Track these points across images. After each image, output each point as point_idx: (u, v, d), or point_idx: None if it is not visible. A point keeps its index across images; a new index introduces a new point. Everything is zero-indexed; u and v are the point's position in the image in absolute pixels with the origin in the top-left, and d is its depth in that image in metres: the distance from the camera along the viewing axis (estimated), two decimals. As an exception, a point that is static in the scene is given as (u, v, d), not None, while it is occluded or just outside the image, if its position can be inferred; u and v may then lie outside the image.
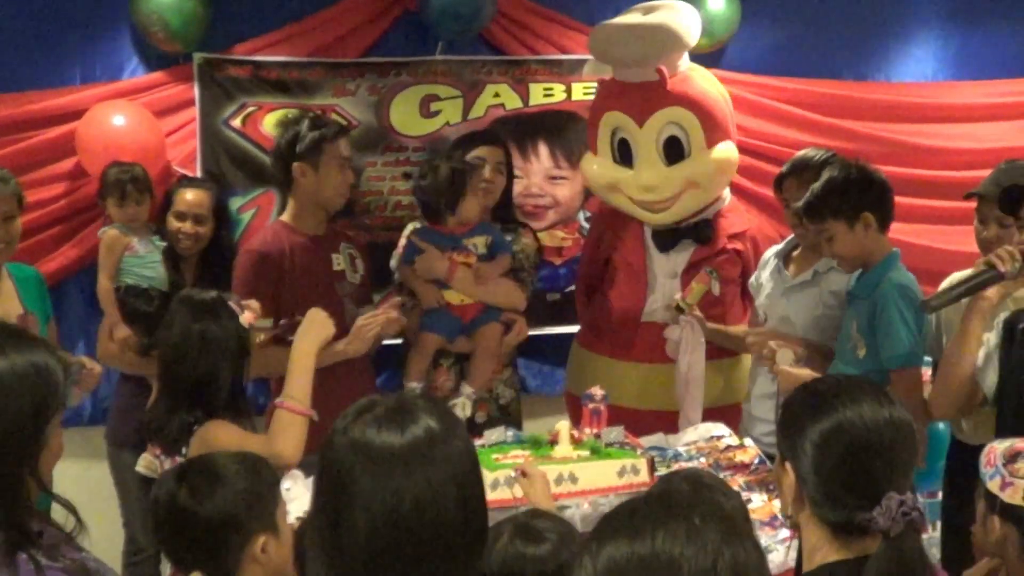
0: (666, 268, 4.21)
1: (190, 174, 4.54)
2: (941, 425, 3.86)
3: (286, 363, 3.50)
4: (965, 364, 3.13)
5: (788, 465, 1.96)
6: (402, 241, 4.20)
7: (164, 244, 4.15)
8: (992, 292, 3.05)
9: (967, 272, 3.20)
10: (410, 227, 4.24)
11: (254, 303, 3.18)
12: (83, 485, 4.44)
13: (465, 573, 1.70)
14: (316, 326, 3.16)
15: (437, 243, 3.98)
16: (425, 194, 3.98)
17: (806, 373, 3.34)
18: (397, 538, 1.63)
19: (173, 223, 4.19)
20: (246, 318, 3.04)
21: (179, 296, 3.14)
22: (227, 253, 4.29)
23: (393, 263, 4.22)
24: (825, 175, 3.47)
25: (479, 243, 4.00)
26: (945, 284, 3.41)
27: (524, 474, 2.90)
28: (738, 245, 4.23)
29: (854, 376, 2.43)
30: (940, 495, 3.82)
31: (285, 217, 3.92)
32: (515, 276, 4.13)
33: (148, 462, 3.01)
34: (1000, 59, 5.32)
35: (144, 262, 4.09)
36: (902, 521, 1.80)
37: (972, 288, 3.05)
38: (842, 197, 3.40)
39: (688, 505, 1.36)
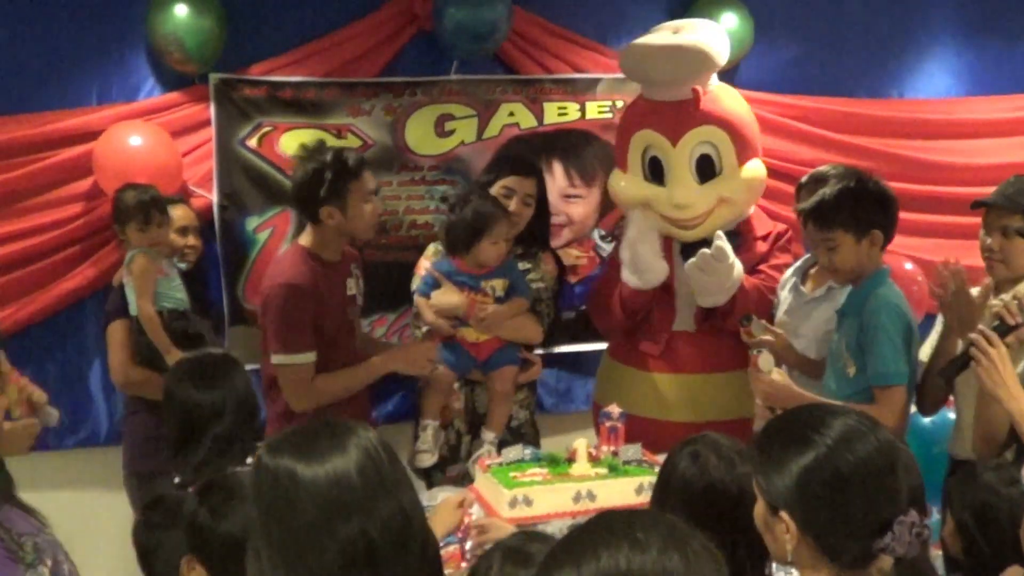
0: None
1: (208, 195, 4.56)
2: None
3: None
4: (1002, 411, 3.10)
5: (783, 513, 1.88)
6: (424, 263, 4.15)
7: (184, 265, 4.16)
8: (1010, 339, 2.98)
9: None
10: (431, 248, 4.21)
11: None
12: (101, 511, 4.47)
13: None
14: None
15: (456, 279, 3.94)
16: (449, 227, 3.95)
17: (781, 384, 3.40)
18: (368, 553, 1.67)
19: (178, 240, 4.22)
20: None
21: (177, 366, 3.15)
22: (209, 267, 4.40)
23: (414, 286, 4.14)
24: (840, 184, 3.45)
25: (497, 286, 3.94)
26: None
27: (484, 530, 2.92)
28: (761, 246, 4.23)
29: (822, 403, 2.40)
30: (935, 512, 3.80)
31: (306, 243, 3.76)
32: (532, 309, 4.08)
33: None
34: (1013, 74, 5.33)
35: (175, 284, 4.08)
36: (917, 543, 1.77)
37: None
38: (856, 210, 3.39)
39: (627, 521, 1.35)
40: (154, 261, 3.99)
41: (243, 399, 2.99)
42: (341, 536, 1.65)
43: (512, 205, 4.06)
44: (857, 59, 5.26)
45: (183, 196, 4.46)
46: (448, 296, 3.93)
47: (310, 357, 3.65)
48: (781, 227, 4.35)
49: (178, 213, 4.24)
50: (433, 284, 3.97)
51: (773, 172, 4.93)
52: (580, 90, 4.94)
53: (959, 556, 2.85)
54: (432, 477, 3.98)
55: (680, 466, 2.35)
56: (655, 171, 4.16)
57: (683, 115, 4.07)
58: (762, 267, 4.19)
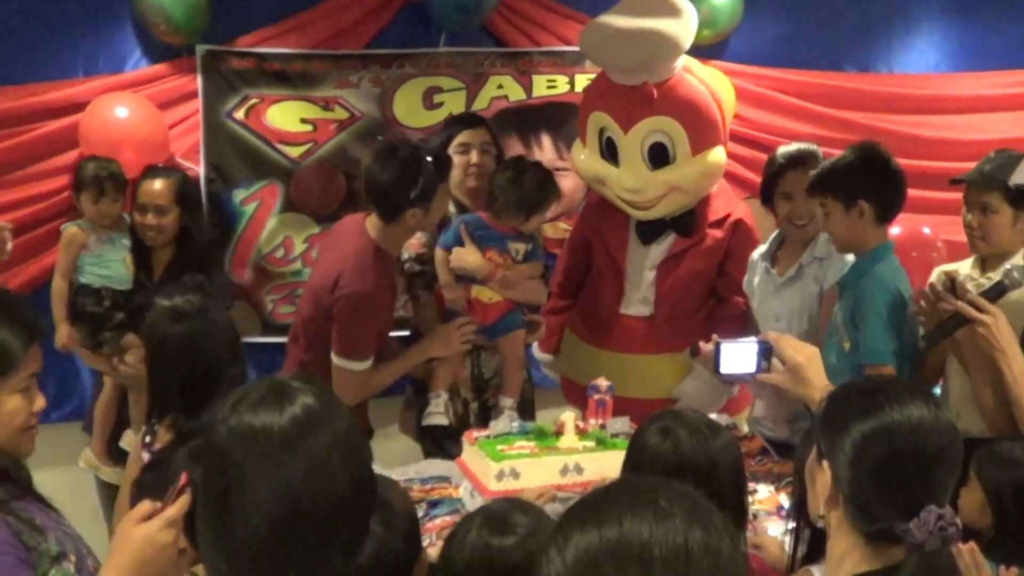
0: (644, 261, 4.18)
1: (195, 167, 4.54)
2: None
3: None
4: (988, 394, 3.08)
5: (825, 463, 1.89)
6: (412, 241, 3.98)
7: (129, 244, 4.10)
8: (1014, 297, 3.00)
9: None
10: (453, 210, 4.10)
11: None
12: (88, 484, 4.46)
13: (356, 544, 1.66)
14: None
15: (485, 236, 3.87)
16: (510, 197, 3.83)
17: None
18: (291, 521, 1.58)
19: (136, 216, 4.12)
20: None
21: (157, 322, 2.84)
22: (197, 242, 4.24)
23: (404, 255, 4.00)
24: (847, 153, 3.46)
25: (520, 249, 3.92)
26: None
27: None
28: (717, 233, 4.15)
29: (903, 379, 2.38)
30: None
31: (375, 236, 3.65)
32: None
33: (129, 438, 2.94)
34: (1002, 50, 5.31)
35: (101, 260, 4.05)
36: (938, 536, 1.74)
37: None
38: (845, 179, 3.39)
39: (652, 489, 1.32)
40: (83, 235, 4.01)
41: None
42: (265, 495, 1.56)
43: (474, 157, 4.04)
44: (846, 34, 5.25)
45: (172, 171, 4.30)
46: (470, 256, 3.85)
47: (369, 364, 3.67)
48: (739, 214, 4.21)
49: (144, 189, 4.09)
50: (457, 239, 3.88)
51: (761, 145, 4.95)
52: (569, 62, 4.92)
53: (981, 529, 2.82)
54: (447, 448, 3.94)
55: (651, 443, 2.31)
56: (611, 150, 4.09)
57: (636, 103, 3.96)
58: (733, 271, 4.15)
